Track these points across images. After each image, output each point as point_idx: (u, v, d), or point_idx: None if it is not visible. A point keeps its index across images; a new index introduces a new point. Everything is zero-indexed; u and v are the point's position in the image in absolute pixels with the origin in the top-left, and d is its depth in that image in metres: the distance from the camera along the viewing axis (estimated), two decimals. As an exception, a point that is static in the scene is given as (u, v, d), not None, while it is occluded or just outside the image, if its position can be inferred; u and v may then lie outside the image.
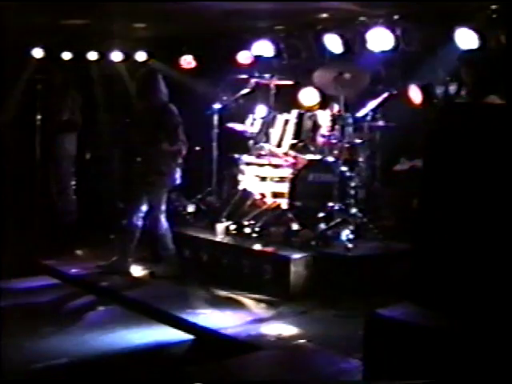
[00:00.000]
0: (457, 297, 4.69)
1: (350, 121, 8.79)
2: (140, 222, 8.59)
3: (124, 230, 8.71)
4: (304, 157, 9.04)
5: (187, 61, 11.48)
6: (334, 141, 8.88)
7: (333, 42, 9.56)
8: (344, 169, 8.59)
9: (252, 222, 8.77)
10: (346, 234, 8.17)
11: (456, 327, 4.57)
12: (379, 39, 9.02)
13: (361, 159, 8.88)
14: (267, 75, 9.68)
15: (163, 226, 8.55)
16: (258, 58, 10.54)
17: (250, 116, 9.80)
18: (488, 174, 4.67)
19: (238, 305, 7.61)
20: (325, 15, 9.40)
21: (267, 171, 9.18)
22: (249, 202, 9.21)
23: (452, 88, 8.47)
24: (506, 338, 4.30)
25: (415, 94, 8.84)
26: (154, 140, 8.33)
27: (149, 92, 8.45)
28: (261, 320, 7.10)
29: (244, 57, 10.65)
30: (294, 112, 9.35)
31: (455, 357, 4.43)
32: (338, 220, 8.37)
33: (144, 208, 8.53)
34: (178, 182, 8.59)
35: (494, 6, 8.12)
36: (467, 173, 4.78)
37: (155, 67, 10.47)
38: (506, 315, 4.42)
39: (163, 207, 8.51)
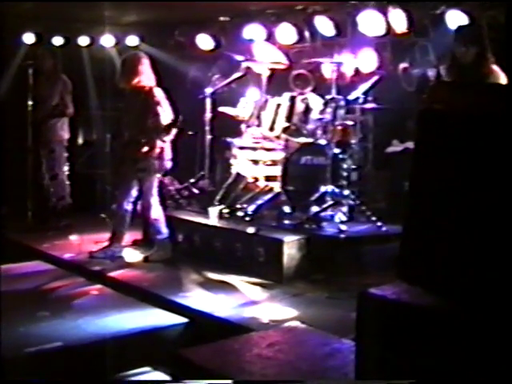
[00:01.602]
0: (448, 276, 4.70)
1: (342, 103, 8.78)
2: (130, 207, 8.60)
3: (114, 215, 8.72)
4: (296, 140, 9.05)
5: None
6: (326, 123, 8.88)
7: (324, 26, 9.56)
8: (336, 151, 8.60)
9: (245, 206, 8.78)
10: (338, 216, 8.20)
11: (448, 306, 4.58)
12: (370, 22, 9.03)
13: (353, 141, 8.88)
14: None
15: (156, 210, 8.55)
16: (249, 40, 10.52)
17: (242, 100, 9.80)
18: (480, 156, 4.67)
19: (231, 288, 7.62)
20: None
21: (260, 155, 9.18)
22: (241, 186, 9.23)
23: (443, 70, 8.49)
24: (498, 317, 4.32)
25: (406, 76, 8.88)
26: (141, 124, 8.32)
27: (132, 75, 8.38)
28: (254, 302, 7.12)
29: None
30: (286, 95, 9.35)
31: (448, 336, 4.45)
32: (331, 202, 8.39)
33: (134, 193, 8.53)
34: (169, 165, 8.57)
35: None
36: (457, 153, 4.78)
37: (143, 51, 10.44)
38: (498, 295, 4.43)
39: (155, 192, 8.51)
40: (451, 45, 7.69)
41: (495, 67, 7.37)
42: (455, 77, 7.39)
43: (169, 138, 8.38)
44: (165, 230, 8.65)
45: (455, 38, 7.85)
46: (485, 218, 4.57)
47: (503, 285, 4.42)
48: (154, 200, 8.53)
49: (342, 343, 5.61)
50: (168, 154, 8.49)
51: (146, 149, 8.22)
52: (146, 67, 8.45)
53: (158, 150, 8.29)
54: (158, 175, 8.55)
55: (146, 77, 8.43)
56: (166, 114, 8.34)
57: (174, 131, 8.37)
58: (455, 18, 8.25)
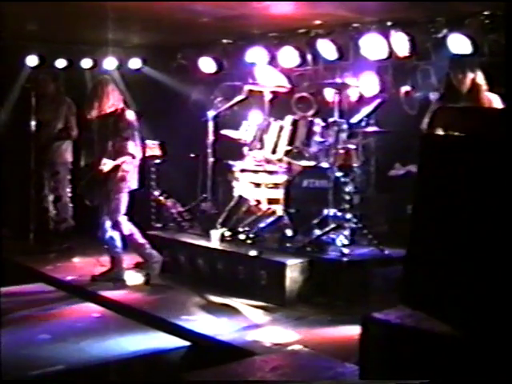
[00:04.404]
0: (451, 301, 4.70)
1: (345, 126, 8.79)
2: (109, 233, 8.57)
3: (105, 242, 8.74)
4: (299, 163, 9.05)
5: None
6: (328, 146, 8.89)
7: (326, 49, 9.60)
8: (338, 174, 8.59)
9: (247, 229, 8.78)
10: (340, 239, 8.19)
11: (451, 331, 4.58)
12: (372, 46, 9.07)
13: (355, 165, 8.88)
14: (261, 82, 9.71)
15: (126, 227, 8.56)
16: (251, 64, 10.55)
17: (245, 123, 9.82)
18: (483, 180, 4.68)
19: (233, 311, 7.61)
20: (318, 21, 9.42)
21: (262, 178, 9.18)
22: (244, 209, 9.23)
23: (434, 96, 8.57)
24: (500, 342, 4.32)
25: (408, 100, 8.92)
26: (110, 146, 8.39)
27: (105, 99, 8.43)
28: (256, 326, 7.11)
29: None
30: (289, 118, 9.36)
31: (450, 360, 4.44)
32: (333, 225, 8.38)
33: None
34: (136, 186, 8.60)
35: (486, 12, 8.17)
36: (460, 177, 4.79)
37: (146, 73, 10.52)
38: (500, 320, 4.43)
39: (123, 210, 8.50)
40: (448, 70, 7.82)
41: (489, 94, 7.54)
42: (450, 102, 7.50)
43: (135, 161, 8.50)
44: (155, 252, 8.69)
45: (452, 64, 7.97)
46: (488, 243, 4.58)
47: (505, 309, 4.42)
48: (122, 218, 8.51)
49: (346, 367, 5.61)
50: (134, 176, 8.53)
51: (108, 168, 8.29)
52: (113, 89, 8.52)
53: (122, 173, 8.36)
54: (125, 195, 8.50)
55: (116, 99, 8.48)
56: (134, 138, 8.42)
57: (138, 156, 8.51)
58: (457, 42, 8.29)
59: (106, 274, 8.70)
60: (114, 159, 8.33)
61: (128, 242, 8.69)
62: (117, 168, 8.36)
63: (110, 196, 8.42)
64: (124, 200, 8.50)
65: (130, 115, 8.50)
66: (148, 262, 8.73)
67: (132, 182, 8.55)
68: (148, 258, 8.73)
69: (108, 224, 8.51)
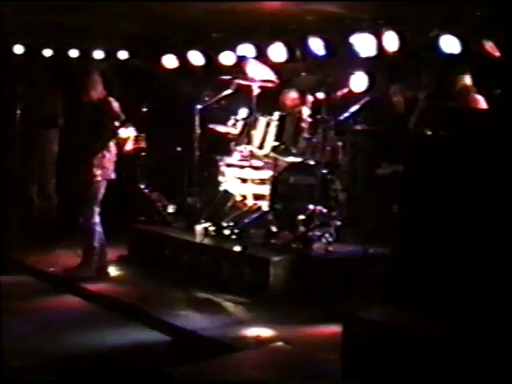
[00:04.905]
0: (434, 299, 4.70)
1: (332, 124, 8.77)
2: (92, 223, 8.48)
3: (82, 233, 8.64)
4: (285, 159, 9.03)
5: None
6: (315, 143, 8.86)
7: (317, 45, 9.55)
8: (325, 172, 8.58)
9: (231, 224, 8.74)
10: (326, 236, 8.16)
11: (433, 329, 4.57)
12: (363, 43, 9.03)
13: (342, 162, 8.86)
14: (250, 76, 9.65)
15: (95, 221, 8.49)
16: (241, 58, 10.48)
17: (232, 117, 9.77)
18: (467, 179, 4.68)
19: (216, 306, 7.58)
20: (310, 18, 9.38)
21: (248, 173, 9.16)
22: (229, 204, 9.20)
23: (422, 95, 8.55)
24: (485, 340, 4.31)
25: (398, 99, 8.87)
26: (92, 134, 8.42)
27: (90, 89, 8.46)
28: (239, 322, 7.08)
29: (227, 58, 10.62)
30: (276, 114, 9.33)
31: (434, 359, 4.43)
32: (318, 222, 8.36)
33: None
34: (113, 176, 8.52)
35: (478, 13, 8.15)
36: (446, 176, 4.79)
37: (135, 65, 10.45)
38: (485, 318, 4.43)
39: (98, 200, 8.44)
40: (439, 70, 7.83)
41: (476, 95, 7.59)
42: (438, 101, 7.53)
43: (113, 150, 8.47)
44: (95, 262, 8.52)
45: (443, 64, 7.98)
46: (475, 240, 4.58)
47: (492, 307, 4.42)
48: (95, 211, 8.43)
49: (328, 365, 5.58)
50: (111, 164, 8.47)
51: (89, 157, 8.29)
52: (97, 80, 8.50)
53: (99, 160, 8.32)
54: (101, 185, 8.43)
55: (100, 89, 8.46)
56: (116, 128, 8.45)
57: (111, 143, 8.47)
58: (448, 43, 8.27)
59: (75, 269, 8.55)
60: (98, 147, 8.30)
61: (84, 232, 8.55)
62: (94, 158, 8.30)
63: (87, 185, 8.36)
64: (99, 190, 8.41)
65: (114, 105, 8.45)
66: (82, 265, 8.53)
67: (108, 172, 8.46)
68: (86, 260, 8.52)
69: (86, 216, 8.43)
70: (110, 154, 8.48)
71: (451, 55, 8.22)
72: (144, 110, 10.31)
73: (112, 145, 8.47)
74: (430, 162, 4.87)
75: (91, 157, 8.29)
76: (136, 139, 10.08)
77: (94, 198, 8.39)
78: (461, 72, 7.75)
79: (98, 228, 8.48)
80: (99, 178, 8.35)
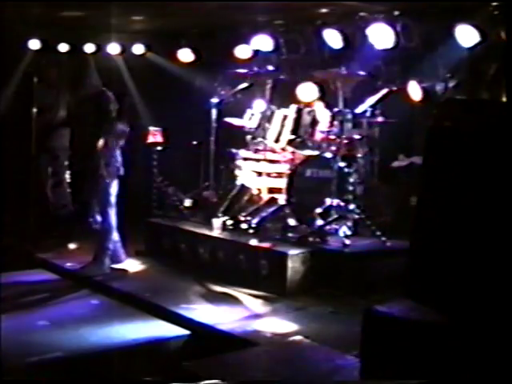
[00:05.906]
0: (454, 294, 4.66)
1: (349, 116, 8.73)
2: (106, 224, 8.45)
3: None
4: (302, 152, 8.99)
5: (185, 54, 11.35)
6: (332, 136, 8.83)
7: (332, 38, 9.49)
8: (342, 165, 8.54)
9: (249, 218, 8.72)
10: (343, 230, 8.13)
11: (453, 324, 4.53)
12: (379, 35, 8.96)
13: (359, 155, 8.82)
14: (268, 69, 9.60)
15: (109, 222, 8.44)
16: (256, 52, 10.42)
17: (248, 111, 9.74)
18: (487, 172, 4.63)
19: (234, 300, 7.57)
20: (325, 10, 9.32)
21: (264, 166, 9.12)
22: (246, 198, 9.17)
23: (451, 85, 8.46)
24: (502, 335, 4.27)
25: (415, 91, 8.79)
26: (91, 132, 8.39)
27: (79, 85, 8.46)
28: (257, 316, 7.07)
29: (242, 51, 10.57)
30: (293, 107, 9.29)
31: (452, 353, 4.40)
32: (336, 216, 8.33)
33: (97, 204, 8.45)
34: (122, 171, 8.39)
35: (494, 3, 8.08)
36: (466, 170, 4.74)
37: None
38: (502, 313, 4.39)
39: (112, 197, 8.37)
40: (466, 59, 7.70)
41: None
42: (470, 91, 7.41)
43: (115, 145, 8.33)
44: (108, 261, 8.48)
45: (474, 53, 7.84)
46: (494, 235, 4.53)
47: (510, 301, 4.37)
48: (110, 208, 8.36)
49: (346, 359, 5.57)
50: (118, 160, 8.35)
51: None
52: (93, 72, 8.51)
53: (103, 158, 8.22)
54: (114, 180, 8.35)
55: (96, 81, 8.46)
56: (114, 120, 8.35)
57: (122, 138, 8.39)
58: (465, 33, 8.18)
59: (86, 267, 8.51)
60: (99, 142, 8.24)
61: (97, 232, 8.52)
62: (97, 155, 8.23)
63: (98, 182, 8.31)
64: (107, 191, 8.32)
65: (111, 98, 8.40)
66: (93, 264, 8.47)
67: (114, 170, 8.32)
68: (97, 259, 8.47)
69: (98, 213, 8.42)
70: (113, 150, 8.35)
71: (479, 45, 8.11)
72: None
73: (115, 141, 8.34)
74: (452, 154, 4.82)
75: (93, 153, 8.22)
76: (152, 133, 10.06)
77: (104, 199, 8.33)
78: (494, 60, 7.59)
79: (112, 228, 8.42)
80: (107, 180, 8.28)
